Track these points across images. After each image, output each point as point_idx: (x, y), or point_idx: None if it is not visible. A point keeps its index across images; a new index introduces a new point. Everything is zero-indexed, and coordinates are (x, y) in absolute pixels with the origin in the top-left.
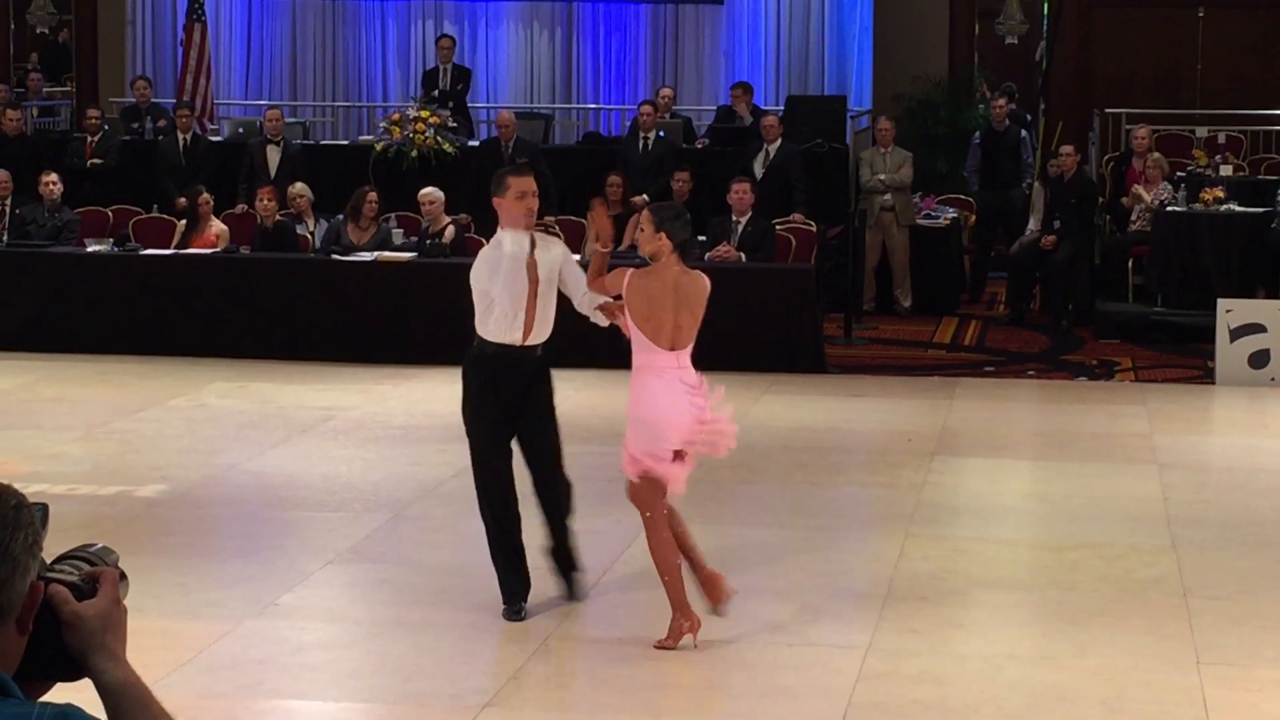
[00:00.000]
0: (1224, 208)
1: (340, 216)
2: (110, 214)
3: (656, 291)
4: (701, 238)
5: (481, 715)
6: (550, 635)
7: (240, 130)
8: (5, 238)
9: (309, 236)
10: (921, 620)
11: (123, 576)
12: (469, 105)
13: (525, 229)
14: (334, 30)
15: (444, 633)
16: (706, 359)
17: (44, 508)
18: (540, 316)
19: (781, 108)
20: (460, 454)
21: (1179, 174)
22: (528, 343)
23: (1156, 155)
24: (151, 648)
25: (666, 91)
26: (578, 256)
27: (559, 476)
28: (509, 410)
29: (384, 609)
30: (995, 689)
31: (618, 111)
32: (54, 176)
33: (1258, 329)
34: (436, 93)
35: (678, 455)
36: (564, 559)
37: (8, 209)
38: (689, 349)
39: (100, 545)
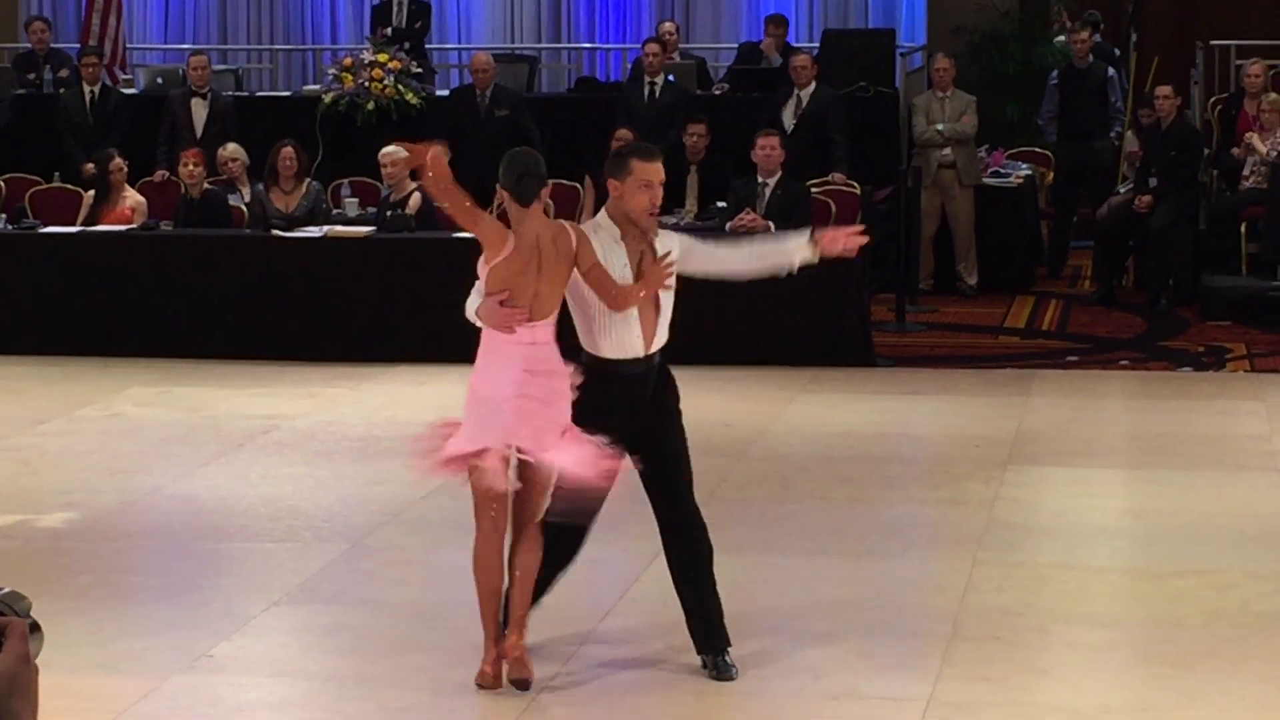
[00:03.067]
0: None
1: (261, 185)
2: (2, 184)
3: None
4: (722, 204)
5: None
6: (541, 690)
7: (159, 81)
8: None
9: (243, 209)
10: (994, 666)
11: (34, 628)
12: (435, 46)
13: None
14: None
15: (415, 689)
16: (729, 352)
17: None
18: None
19: (816, 45)
20: None
21: None
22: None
23: (1274, 96)
24: (58, 710)
25: (669, 26)
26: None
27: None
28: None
29: (341, 660)
30: None
31: (617, 52)
32: None
33: None
34: (389, 31)
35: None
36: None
37: None
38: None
39: (8, 589)
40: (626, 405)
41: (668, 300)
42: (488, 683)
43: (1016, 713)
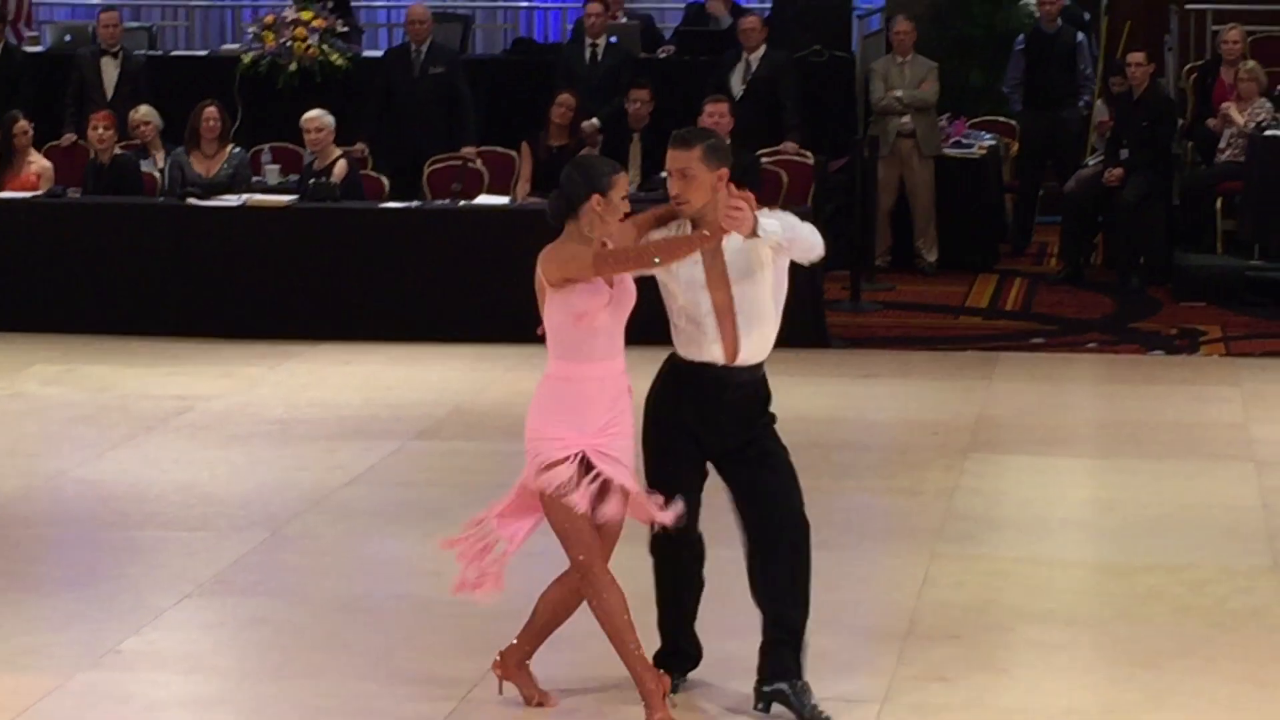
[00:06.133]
0: None
1: (181, 149)
2: None
3: None
4: (664, 174)
5: None
6: (473, 688)
7: (67, 39)
8: None
9: (156, 175)
10: (953, 665)
11: None
12: (363, 4)
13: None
14: None
15: (335, 686)
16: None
17: None
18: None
19: (767, 6)
20: (354, 456)
21: None
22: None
23: (1252, 64)
24: None
25: None
26: (502, 199)
27: None
28: None
29: (258, 656)
30: None
31: (556, 11)
32: None
33: None
34: None
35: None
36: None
37: None
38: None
39: None
40: (697, 410)
41: (749, 302)
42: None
43: (975, 715)
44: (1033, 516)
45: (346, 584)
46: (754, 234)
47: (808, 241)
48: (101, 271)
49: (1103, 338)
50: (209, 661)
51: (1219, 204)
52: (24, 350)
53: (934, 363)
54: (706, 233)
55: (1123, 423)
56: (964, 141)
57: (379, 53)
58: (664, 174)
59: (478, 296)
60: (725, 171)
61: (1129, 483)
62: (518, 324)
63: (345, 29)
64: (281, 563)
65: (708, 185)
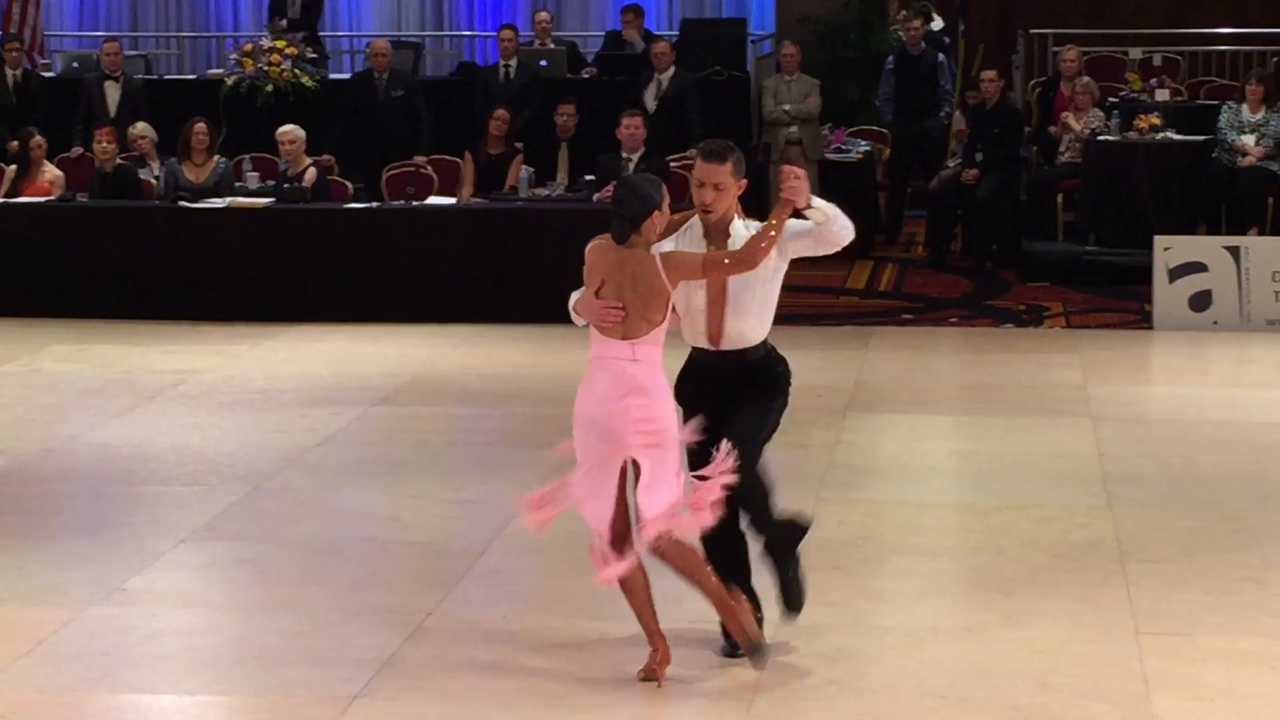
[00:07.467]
0: (1160, 136)
1: (174, 159)
2: None
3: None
4: (590, 177)
5: (353, 707)
6: (427, 617)
7: (75, 65)
8: None
9: (153, 182)
10: (836, 592)
11: None
12: (328, 34)
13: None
14: None
15: (310, 616)
16: None
17: None
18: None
19: (675, 33)
20: (325, 420)
21: (1111, 100)
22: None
23: (1086, 80)
24: None
25: (543, 16)
26: (449, 200)
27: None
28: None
29: (243, 591)
30: (917, 665)
31: (494, 40)
32: None
33: (1198, 268)
34: (284, 22)
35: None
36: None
37: None
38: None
39: None
40: (698, 391)
41: (740, 290)
42: (649, 676)
43: (855, 633)
44: (903, 465)
45: (319, 529)
46: (808, 205)
47: (843, 223)
48: (107, 265)
49: (962, 313)
50: (201, 597)
51: (1060, 199)
52: (41, 332)
53: (818, 336)
54: (774, 222)
55: (979, 385)
56: (843, 147)
57: (344, 75)
58: (589, 177)
59: (429, 283)
60: (745, 183)
61: (984, 436)
62: (464, 306)
63: (314, 55)
64: (263, 512)
65: (733, 195)
